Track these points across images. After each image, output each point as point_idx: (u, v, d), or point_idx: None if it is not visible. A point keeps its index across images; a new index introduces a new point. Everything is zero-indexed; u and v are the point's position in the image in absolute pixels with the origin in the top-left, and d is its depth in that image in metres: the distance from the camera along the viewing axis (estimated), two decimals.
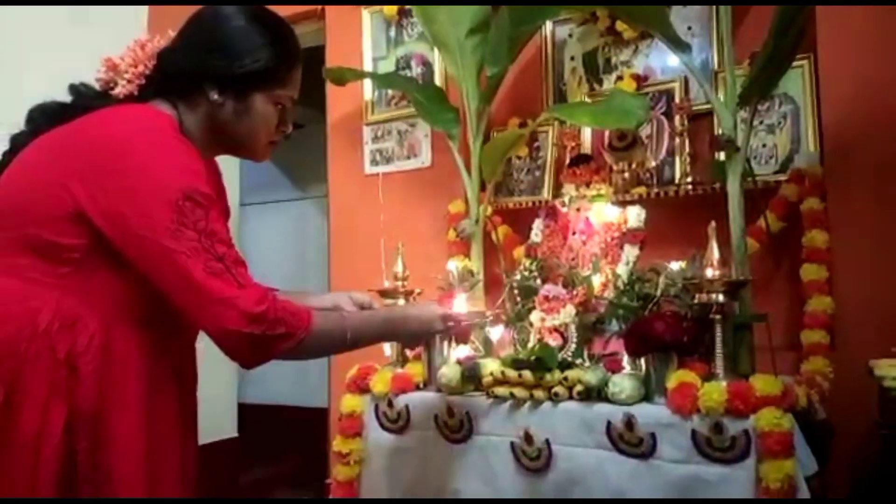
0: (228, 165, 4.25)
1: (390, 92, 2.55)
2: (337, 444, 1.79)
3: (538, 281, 1.84)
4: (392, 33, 2.56)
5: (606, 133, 2.04)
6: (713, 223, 1.49)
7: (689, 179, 1.95)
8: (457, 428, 1.65)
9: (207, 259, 1.03)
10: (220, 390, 3.23)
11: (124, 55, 1.16)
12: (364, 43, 2.59)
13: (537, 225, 2.01)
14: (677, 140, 2.00)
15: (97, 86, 1.18)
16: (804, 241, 1.81)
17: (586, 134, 2.16)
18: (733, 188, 1.68)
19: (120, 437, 1.05)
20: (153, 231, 1.02)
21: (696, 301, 1.49)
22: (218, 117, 1.14)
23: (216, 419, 3.20)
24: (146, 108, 1.14)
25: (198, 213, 1.03)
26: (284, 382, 4.46)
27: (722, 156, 1.78)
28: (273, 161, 4.98)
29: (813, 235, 1.80)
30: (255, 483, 3.42)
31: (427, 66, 2.49)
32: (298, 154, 4.78)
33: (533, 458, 1.53)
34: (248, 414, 3.58)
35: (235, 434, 3.39)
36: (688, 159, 1.97)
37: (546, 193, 2.18)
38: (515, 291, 1.87)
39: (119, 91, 1.15)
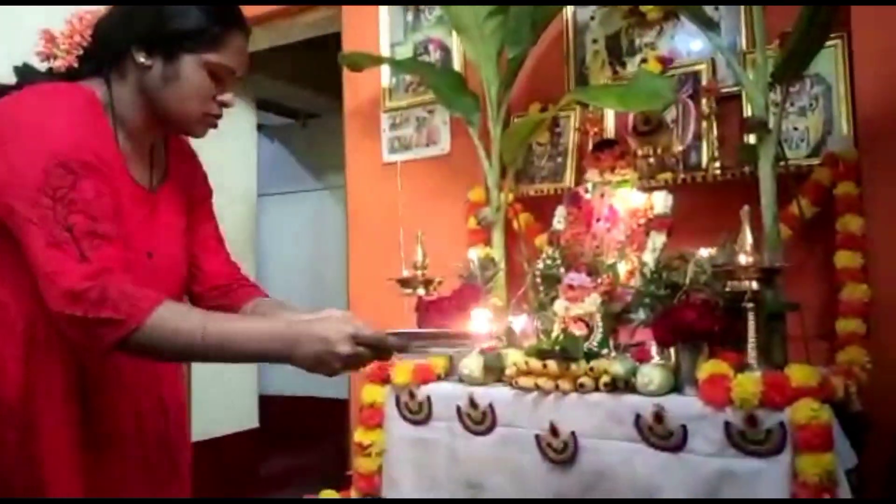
0: (245, 156, 4.18)
1: (408, 78, 2.51)
2: (358, 435, 1.77)
3: (561, 269, 1.79)
4: (409, 18, 2.52)
5: (630, 117, 1.99)
6: (746, 207, 1.44)
7: (718, 164, 1.89)
8: (479, 419, 1.62)
9: (54, 228, 0.95)
10: (240, 381, 3.23)
11: (64, 28, 1.15)
12: (381, 28, 2.55)
13: (560, 212, 1.96)
14: (704, 123, 1.94)
15: (38, 60, 1.16)
16: (838, 226, 1.75)
17: (609, 119, 2.10)
18: (765, 172, 1.62)
19: (49, 428, 1.01)
20: (17, 199, 0.96)
21: (727, 289, 1.44)
22: (147, 84, 1.08)
23: (237, 410, 3.20)
24: (66, 84, 1.08)
25: (65, 181, 0.96)
26: (305, 373, 4.45)
27: (752, 139, 1.72)
28: (290, 151, 4.98)
29: (847, 221, 1.74)
30: (275, 474, 3.42)
31: (445, 50, 2.44)
32: (316, 144, 4.77)
33: (559, 450, 1.50)
34: (268, 405, 3.58)
35: (256, 425, 3.39)
36: (716, 143, 1.91)
37: (568, 180, 2.13)
38: (538, 280, 1.83)
39: (58, 64, 1.12)
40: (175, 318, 0.97)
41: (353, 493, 1.76)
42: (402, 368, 1.74)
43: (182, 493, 1.21)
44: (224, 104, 1.12)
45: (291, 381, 4.41)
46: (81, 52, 1.12)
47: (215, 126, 1.15)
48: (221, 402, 3.04)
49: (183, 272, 1.21)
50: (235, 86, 1.13)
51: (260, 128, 3.81)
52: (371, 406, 1.77)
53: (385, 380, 1.77)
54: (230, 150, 3.31)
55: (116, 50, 1.08)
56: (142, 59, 1.06)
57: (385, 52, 2.53)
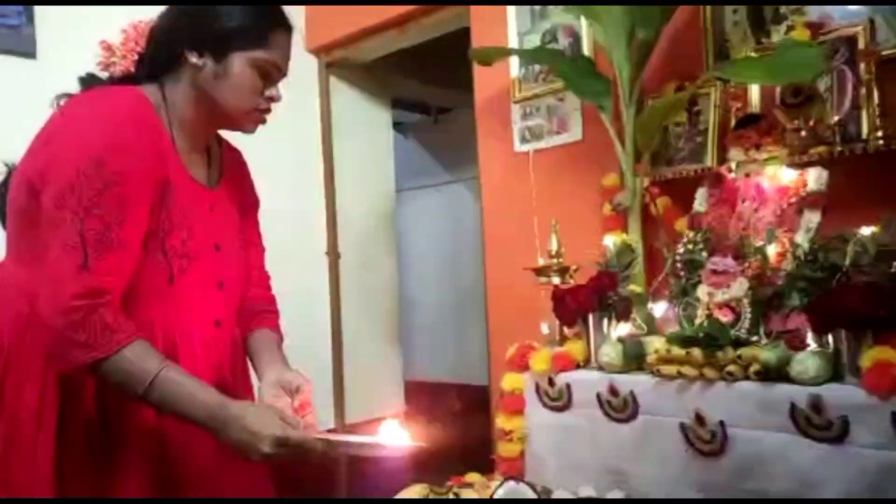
0: (382, 154, 4.35)
1: (538, 67, 2.51)
2: (500, 421, 1.82)
3: (704, 253, 1.73)
4: (536, 7, 2.51)
5: (777, 89, 1.86)
6: None
7: (880, 134, 1.73)
8: (621, 407, 1.60)
9: (68, 232, 0.98)
10: (387, 367, 3.41)
11: (120, 37, 1.22)
12: (509, 19, 2.56)
13: (701, 194, 1.89)
14: (863, 91, 1.78)
15: (99, 70, 1.23)
16: None
17: (754, 93, 1.98)
18: None
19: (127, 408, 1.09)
20: (48, 194, 1.01)
21: (893, 270, 1.33)
22: (199, 83, 1.14)
23: (384, 395, 3.38)
24: (120, 87, 1.14)
25: (93, 185, 0.99)
26: (446, 360, 4.60)
27: None
28: (425, 146, 5.12)
29: None
30: (422, 457, 3.56)
31: (574, 36, 2.41)
32: (448, 138, 4.88)
33: (706, 440, 1.45)
34: (413, 390, 3.73)
35: (404, 409, 3.55)
36: (877, 111, 1.75)
37: (710, 160, 2.04)
38: (679, 266, 1.77)
39: (116, 70, 1.20)
40: (134, 360, 1.01)
41: (498, 476, 1.81)
42: (539, 356, 1.76)
43: (257, 478, 1.26)
44: (271, 99, 1.17)
45: (434, 367, 4.59)
46: (137, 57, 1.19)
47: (264, 121, 1.20)
48: (368, 388, 3.23)
49: (245, 267, 1.27)
50: (280, 81, 1.18)
51: (394, 125, 3.96)
52: (511, 393, 1.80)
53: (524, 367, 1.80)
54: (368, 150, 3.47)
55: (170, 52, 1.15)
56: (194, 60, 1.13)
57: (513, 42, 2.54)
